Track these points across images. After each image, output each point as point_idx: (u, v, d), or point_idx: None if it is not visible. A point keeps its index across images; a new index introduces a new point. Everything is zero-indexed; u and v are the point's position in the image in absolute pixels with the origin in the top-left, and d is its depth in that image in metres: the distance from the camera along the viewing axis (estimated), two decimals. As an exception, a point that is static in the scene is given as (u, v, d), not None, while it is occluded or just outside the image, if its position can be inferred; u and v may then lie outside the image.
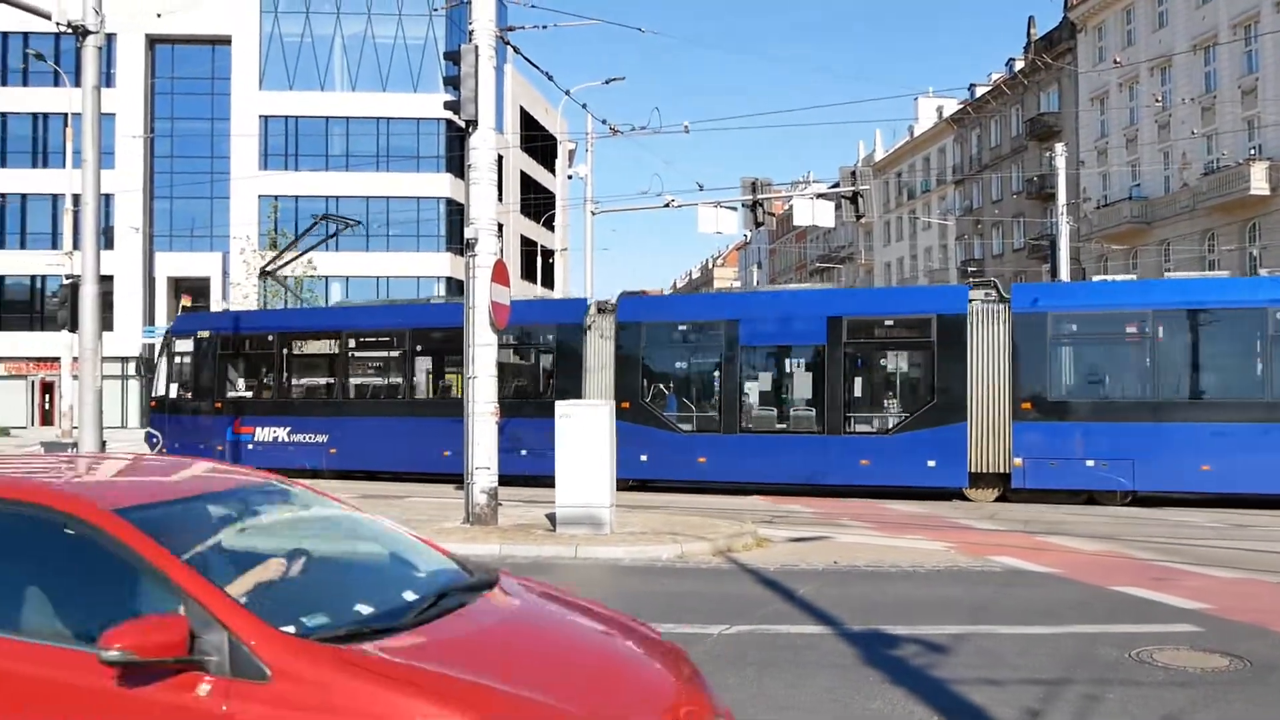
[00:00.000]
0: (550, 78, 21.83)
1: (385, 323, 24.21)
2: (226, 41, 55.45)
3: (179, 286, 55.81)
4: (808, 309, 20.07)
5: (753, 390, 20.82)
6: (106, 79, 16.02)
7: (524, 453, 19.94)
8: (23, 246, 55.02)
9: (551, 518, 13.97)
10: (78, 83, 16.50)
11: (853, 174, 25.30)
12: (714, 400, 20.56)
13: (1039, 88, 56.68)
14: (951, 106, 67.38)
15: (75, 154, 36.78)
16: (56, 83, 49.99)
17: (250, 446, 23.71)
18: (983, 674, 7.08)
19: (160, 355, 25.90)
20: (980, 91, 62.53)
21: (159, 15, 44.29)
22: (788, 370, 21.02)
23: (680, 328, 20.99)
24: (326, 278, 46.01)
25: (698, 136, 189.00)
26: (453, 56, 14.29)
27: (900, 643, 7.95)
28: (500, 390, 14.84)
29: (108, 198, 16.20)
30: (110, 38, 16.42)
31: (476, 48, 14.02)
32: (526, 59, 18.55)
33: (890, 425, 19.45)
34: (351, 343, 23.81)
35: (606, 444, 13.24)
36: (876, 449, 19.32)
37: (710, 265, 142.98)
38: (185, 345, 25.18)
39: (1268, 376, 17.64)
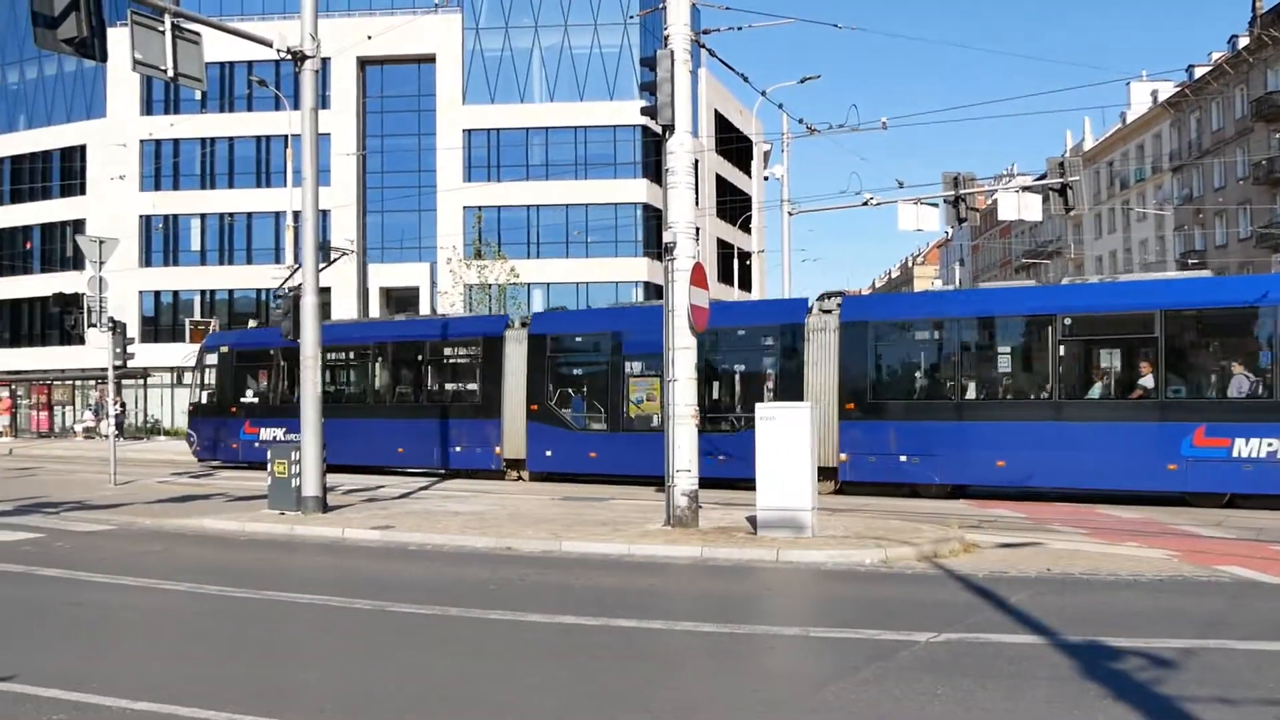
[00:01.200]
0: (746, 79, 21.73)
1: (352, 338, 27.73)
2: (431, 60, 57.60)
3: (390, 296, 58.30)
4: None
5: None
6: (322, 101, 16.89)
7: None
8: (249, 262, 58.54)
9: (752, 520, 13.91)
10: (296, 106, 17.42)
11: (1060, 165, 24.23)
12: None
13: (1266, 65, 53.09)
14: (1167, 90, 63.85)
15: (295, 173, 39.00)
16: (277, 107, 52.98)
17: (256, 445, 27.14)
18: (1214, 692, 6.66)
19: (194, 368, 29.92)
20: (1200, 72, 59.04)
21: (369, 38, 46.37)
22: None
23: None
24: (529, 285, 47.21)
25: (896, 132, 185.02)
26: (649, 62, 14.43)
27: (1123, 656, 7.56)
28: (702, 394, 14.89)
29: (324, 213, 17.03)
30: (325, 62, 17.29)
31: (672, 53, 14.12)
32: (722, 61, 18.53)
33: (740, 424, 20.60)
34: (362, 354, 27.15)
35: (808, 446, 13.09)
36: (731, 446, 20.11)
37: (910, 264, 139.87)
38: (212, 359, 29.47)
39: (1053, 379, 18.81)
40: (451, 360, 25.56)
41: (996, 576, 10.95)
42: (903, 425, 20.01)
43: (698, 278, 14.27)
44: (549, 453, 23.28)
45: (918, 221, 27.67)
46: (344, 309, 53.15)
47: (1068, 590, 10.36)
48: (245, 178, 59.16)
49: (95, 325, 22.60)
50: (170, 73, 14.96)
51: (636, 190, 55.77)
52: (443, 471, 25.34)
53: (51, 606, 10.31)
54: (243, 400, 28.43)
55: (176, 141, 58.37)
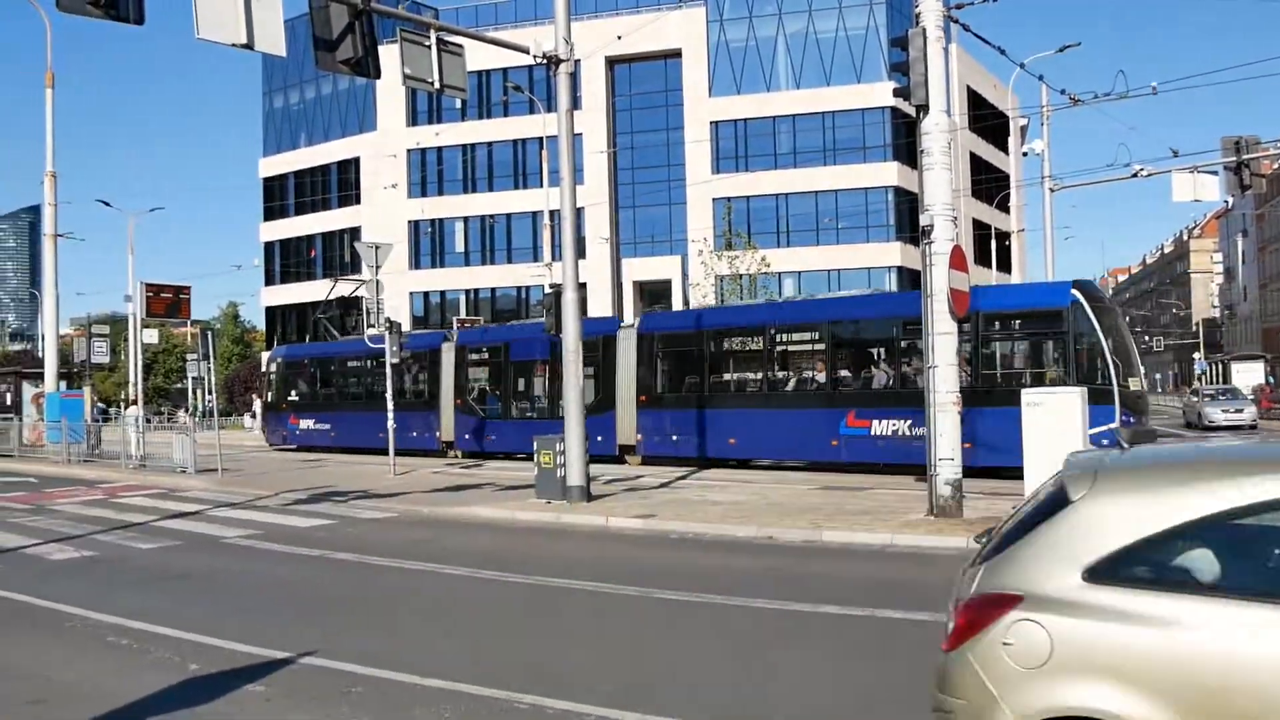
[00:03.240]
0: (1003, 52, 20.87)
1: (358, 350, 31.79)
2: (677, 55, 58.25)
3: (643, 290, 59.41)
4: (539, 332, 25.49)
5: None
6: (574, 102, 17.36)
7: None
8: (509, 261, 60.98)
9: (1020, 510, 13.38)
10: (550, 108, 18.00)
11: (1361, 122, 22.10)
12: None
13: None
14: None
15: (551, 174, 40.24)
16: (532, 110, 54.91)
17: (297, 432, 35.34)
18: None
19: (263, 374, 38.57)
20: None
21: (619, 38, 47.35)
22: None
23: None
24: (780, 274, 47.06)
25: (1167, 98, 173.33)
26: (900, 42, 14.11)
27: None
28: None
29: (579, 211, 17.77)
30: (576, 64, 17.77)
31: (924, 30, 13.75)
32: (976, 35, 17.83)
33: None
34: (350, 363, 34.46)
35: (1079, 432, 12.51)
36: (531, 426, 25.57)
37: (1185, 237, 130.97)
38: (272, 368, 38.20)
39: (770, 375, 24.34)
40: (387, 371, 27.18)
41: None
42: (673, 413, 25.23)
43: (957, 261, 13.86)
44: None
45: (1194, 191, 25.92)
46: (599, 304, 54.53)
47: None
48: (504, 180, 61.62)
49: (373, 325, 24.08)
50: (436, 84, 15.77)
51: (887, 174, 54.63)
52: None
53: (344, 587, 11.08)
54: (289, 399, 36.22)
55: (440, 149, 61.48)
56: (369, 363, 32.45)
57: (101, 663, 7.90)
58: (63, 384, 34.25)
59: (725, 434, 23.87)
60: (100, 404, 42.68)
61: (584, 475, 17.05)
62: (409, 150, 62.44)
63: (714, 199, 54.91)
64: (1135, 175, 26.24)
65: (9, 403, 37.75)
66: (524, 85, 53.97)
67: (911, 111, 14.29)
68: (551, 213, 41.86)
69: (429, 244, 63.73)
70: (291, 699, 6.82)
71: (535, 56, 17.23)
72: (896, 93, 14.36)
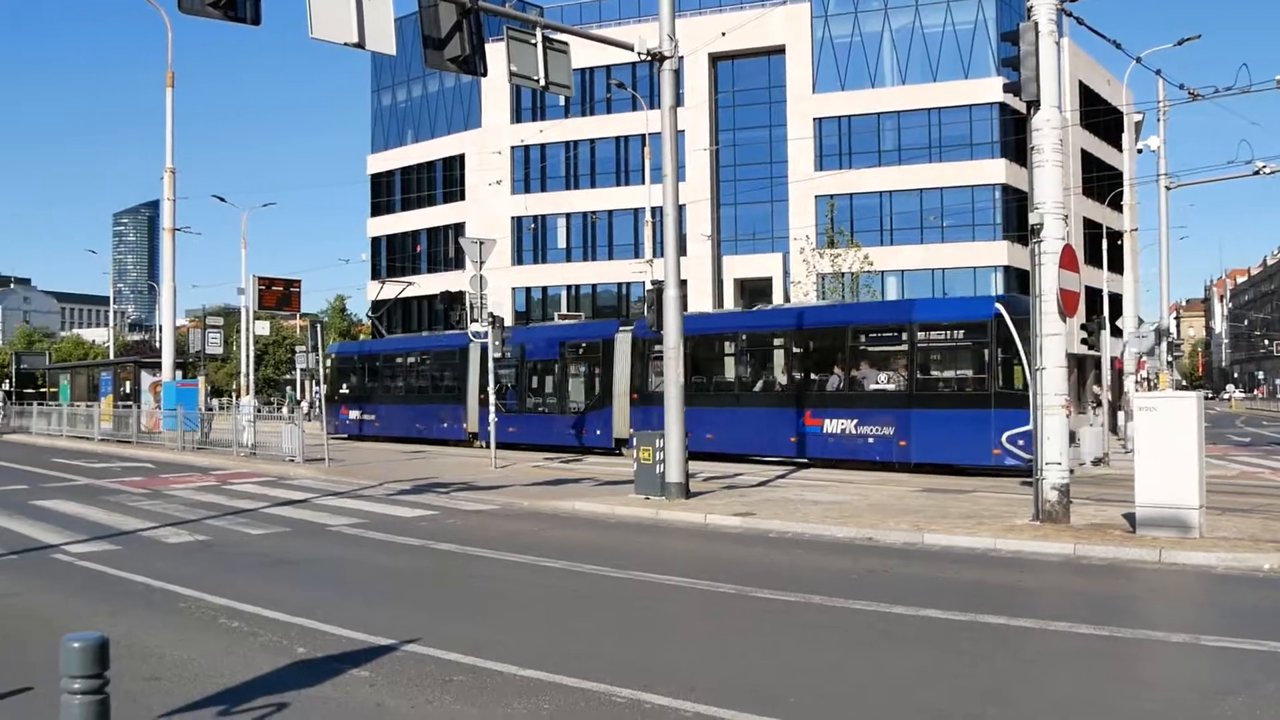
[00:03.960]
0: (1118, 45, 20.31)
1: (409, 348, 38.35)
2: (780, 51, 57.93)
3: (744, 287, 59.22)
4: (550, 335, 31.54)
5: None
6: (677, 99, 17.37)
7: None
8: (610, 257, 61.31)
9: (1129, 518, 13.05)
10: (653, 105, 18.03)
11: None
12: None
13: None
14: None
15: (654, 170, 40.28)
16: (634, 107, 55.12)
17: (347, 422, 38.06)
18: None
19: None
20: None
21: (723, 34, 47.22)
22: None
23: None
24: (882, 272, 46.51)
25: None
26: (1011, 37, 13.82)
27: None
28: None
29: (680, 208, 17.78)
30: (680, 61, 17.77)
31: (1036, 24, 13.45)
32: (1090, 29, 17.39)
33: (582, 408, 29.23)
34: (394, 360, 37.97)
35: (1194, 438, 12.11)
36: (578, 422, 29.04)
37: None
38: (328, 364, 39.82)
39: (741, 378, 26.74)
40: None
41: None
42: (659, 411, 23.92)
43: (1067, 260, 13.53)
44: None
45: (1321, 190, 24.88)
46: (700, 301, 54.51)
47: None
48: (606, 177, 61.96)
49: (477, 320, 24.40)
50: (542, 82, 15.92)
51: (995, 171, 53.60)
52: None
53: (446, 577, 11.26)
54: (340, 392, 38.97)
55: (544, 146, 62.04)
56: (407, 359, 37.03)
57: (213, 643, 8.14)
58: (178, 373, 35.40)
59: (704, 430, 25.04)
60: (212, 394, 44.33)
61: (683, 472, 17.07)
62: (513, 147, 63.16)
63: (816, 196, 54.50)
64: (1257, 173, 25.36)
65: (128, 391, 39.15)
66: (627, 82, 54.22)
67: (1021, 107, 14.00)
68: (653, 209, 41.95)
69: (531, 240, 64.38)
70: (394, 685, 6.95)
71: (640, 53, 17.28)
72: (1006, 88, 14.06)
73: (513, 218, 63.46)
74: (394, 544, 13.43)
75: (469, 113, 66.22)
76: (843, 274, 41.71)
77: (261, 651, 7.83)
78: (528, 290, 64.40)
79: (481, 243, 24.20)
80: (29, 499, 18.54)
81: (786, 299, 54.24)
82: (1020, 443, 20.51)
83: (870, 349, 24.28)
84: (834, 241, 43.54)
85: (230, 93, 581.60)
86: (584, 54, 34.69)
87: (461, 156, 66.43)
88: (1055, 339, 13.45)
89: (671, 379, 17.34)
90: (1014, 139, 51.44)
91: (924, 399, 22.54)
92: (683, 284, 17.91)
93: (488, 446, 29.96)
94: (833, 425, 23.60)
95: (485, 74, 15.25)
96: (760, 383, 26.39)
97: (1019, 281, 52.25)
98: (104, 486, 20.98)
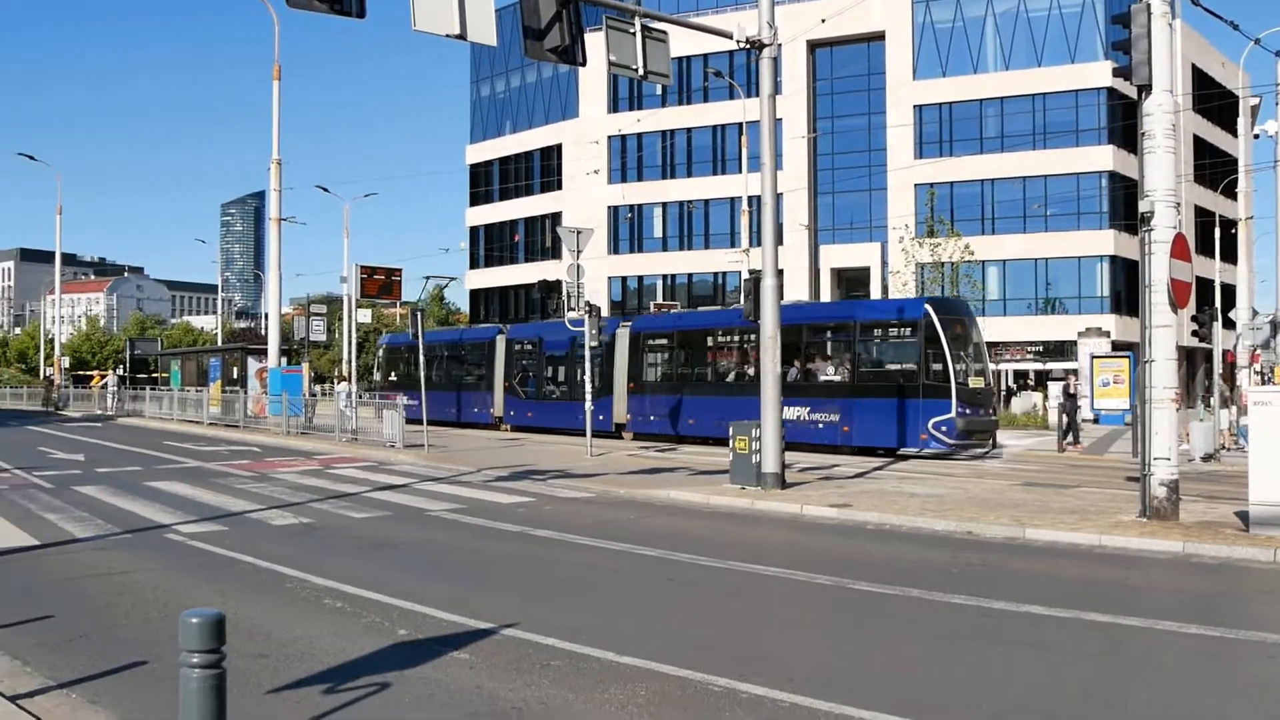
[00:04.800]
0: (1235, 27, 19.66)
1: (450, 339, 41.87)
2: (880, 38, 57.15)
3: (841, 277, 58.67)
4: (565, 330, 30.18)
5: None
6: (776, 87, 17.24)
7: None
8: (706, 246, 61.22)
9: (1242, 516, 12.65)
10: (750, 94, 17.93)
11: None
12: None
13: None
14: None
15: (751, 159, 40.10)
16: (731, 96, 54.89)
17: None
18: None
19: (376, 355, 43.50)
20: None
21: (823, 21, 46.74)
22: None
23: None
24: (984, 262, 45.66)
25: None
26: (1122, 19, 13.44)
27: None
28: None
29: (779, 197, 17.68)
30: (779, 48, 17.62)
31: (1148, 6, 13.06)
32: (1206, 9, 16.90)
33: (591, 395, 28.69)
34: (434, 350, 38.21)
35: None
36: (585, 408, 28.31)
37: None
38: (380, 354, 43.32)
39: (715, 370, 29.46)
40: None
41: None
42: (650, 399, 30.10)
43: (1179, 249, 13.13)
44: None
45: None
46: (796, 291, 54.15)
47: None
48: (702, 166, 61.84)
49: (574, 309, 24.56)
50: (641, 71, 15.94)
51: (1101, 158, 52.23)
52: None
53: (543, 563, 11.37)
54: (389, 379, 41.59)
55: (640, 136, 62.14)
56: (444, 350, 40.12)
57: (318, 623, 8.34)
58: (283, 360, 36.27)
59: (686, 416, 28.82)
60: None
61: (779, 462, 16.99)
62: (610, 137, 63.40)
63: (916, 185, 53.72)
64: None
65: (235, 376, 40.25)
66: (724, 71, 54.00)
67: (1131, 92, 13.62)
68: (750, 198, 41.76)
69: (628, 229, 64.57)
70: (493, 668, 7.04)
71: (738, 41, 17.19)
72: (1116, 72, 13.69)
73: (609, 207, 63.70)
74: (492, 529, 13.60)
75: (566, 103, 66.63)
76: (942, 264, 41.03)
77: (364, 632, 8.00)
78: (623, 280, 64.63)
79: (579, 232, 24.32)
80: (143, 480, 19.19)
81: (884, 289, 53.59)
82: (943, 429, 23.87)
83: (820, 345, 27.31)
84: (934, 231, 42.86)
85: (332, 85, 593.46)
86: (680, 43, 34.63)
87: (559, 146, 66.88)
88: (1165, 331, 13.07)
89: (768, 369, 17.24)
90: (1122, 124, 50.08)
91: (863, 390, 25.16)
92: (780, 273, 17.78)
93: (511, 429, 35.13)
94: (789, 413, 24.73)
95: (584, 64, 15.31)
96: (732, 374, 28.99)
97: (1126, 271, 50.90)
98: (213, 469, 21.61)
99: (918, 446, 24.34)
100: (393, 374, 42.07)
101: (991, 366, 29.05)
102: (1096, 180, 52.56)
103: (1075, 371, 31.61)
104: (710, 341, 30.08)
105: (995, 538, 12.85)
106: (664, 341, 31.39)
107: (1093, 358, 36.91)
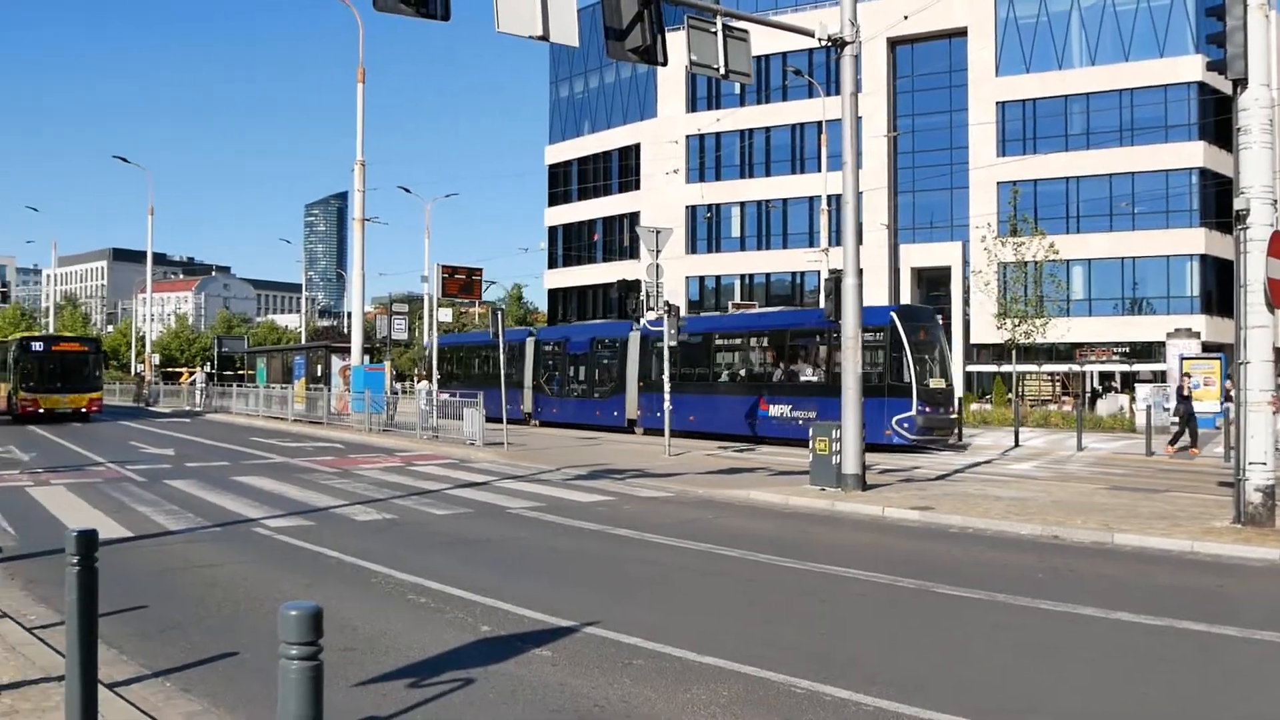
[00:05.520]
0: (1335, 19, 19.00)
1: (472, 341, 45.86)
2: (962, 34, 56.35)
3: (921, 276, 57.99)
4: (586, 332, 36.83)
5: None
6: (857, 85, 17.07)
7: None
8: (785, 246, 60.89)
9: (1344, 522, 12.24)
10: (830, 93, 17.79)
11: None
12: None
13: None
14: None
15: (831, 158, 39.81)
16: (810, 95, 54.53)
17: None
18: None
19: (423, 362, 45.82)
20: None
21: (905, 18, 46.22)
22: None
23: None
24: (1068, 261, 44.78)
25: None
26: (1216, 11, 13.10)
27: None
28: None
29: (859, 195, 17.49)
30: (859, 46, 17.44)
31: (1245, -2, 12.70)
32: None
33: (605, 393, 34.59)
34: (475, 351, 43.13)
35: None
36: (602, 405, 34.59)
37: None
38: (437, 351, 44.33)
39: (714, 370, 31.78)
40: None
41: None
42: (657, 396, 28.85)
43: (1276, 248, 12.74)
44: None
45: None
46: (875, 291, 53.64)
47: None
48: (781, 165, 61.51)
49: (653, 308, 24.59)
50: (722, 70, 15.90)
51: (1191, 154, 50.90)
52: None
53: (625, 561, 11.40)
54: (438, 377, 41.74)
55: (719, 135, 62.00)
56: (484, 351, 41.47)
57: (402, 618, 8.46)
58: (366, 358, 36.82)
59: (688, 412, 30.55)
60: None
61: (859, 464, 16.84)
62: (688, 136, 63.36)
63: (998, 182, 52.85)
64: None
65: (319, 374, 40.95)
66: (803, 69, 53.67)
67: (1224, 86, 13.29)
68: (829, 197, 41.43)
69: (706, 229, 64.46)
70: (576, 666, 7.08)
71: (820, 39, 17.08)
72: (1210, 66, 13.39)
73: (687, 207, 63.66)
74: (572, 527, 13.67)
75: (645, 103, 66.74)
76: (1025, 263, 40.31)
77: (448, 628, 8.09)
78: (701, 279, 64.55)
79: (658, 232, 24.35)
80: (230, 475, 19.62)
81: (965, 289, 52.86)
82: (905, 425, 26.11)
83: (800, 349, 29.50)
84: (1017, 229, 42.09)
85: (413, 85, 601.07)
86: (759, 41, 34.39)
87: (637, 146, 67.00)
88: (1261, 331, 12.70)
89: (849, 369, 17.10)
90: (1214, 120, 48.79)
91: (836, 389, 25.31)
92: (859, 273, 17.60)
93: (540, 424, 37.63)
94: (776, 410, 28.65)
95: (665, 63, 15.31)
96: (729, 375, 31.47)
97: (1217, 270, 49.61)
98: (297, 465, 22.02)
99: (883, 441, 25.85)
100: (444, 368, 43.95)
101: (955, 369, 32.79)
102: (1186, 177, 51.26)
103: (1188, 374, 30.67)
104: (711, 345, 32.33)
105: (1082, 542, 12.61)
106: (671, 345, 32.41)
107: (1182, 359, 35.91)
